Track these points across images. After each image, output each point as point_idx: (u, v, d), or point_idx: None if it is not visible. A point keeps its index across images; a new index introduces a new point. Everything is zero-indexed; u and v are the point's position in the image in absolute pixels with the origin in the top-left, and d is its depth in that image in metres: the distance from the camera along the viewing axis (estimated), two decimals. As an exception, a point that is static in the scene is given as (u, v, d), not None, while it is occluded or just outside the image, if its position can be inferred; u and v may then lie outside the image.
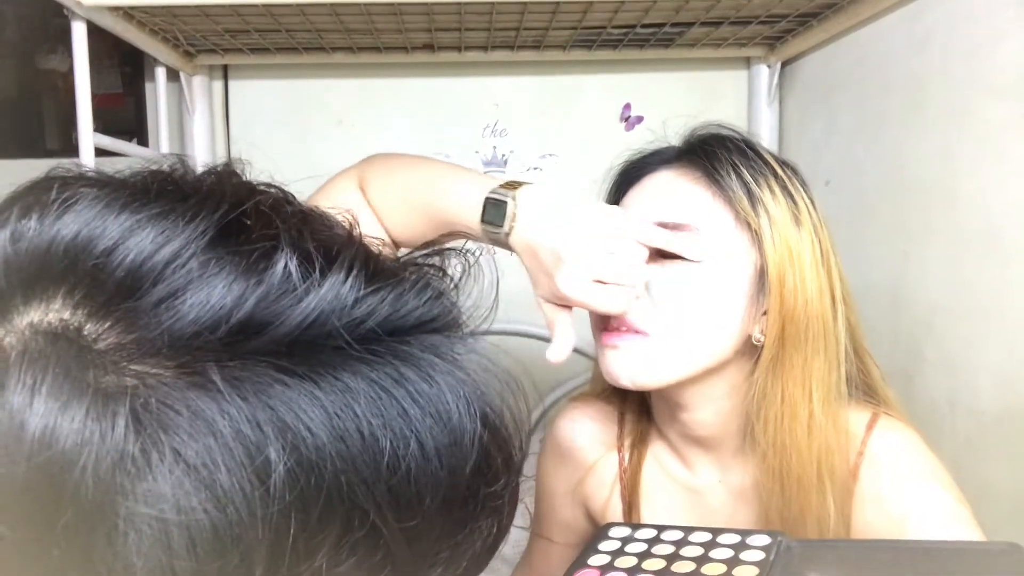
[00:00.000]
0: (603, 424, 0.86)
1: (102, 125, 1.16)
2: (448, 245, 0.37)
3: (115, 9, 1.09)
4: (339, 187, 0.77)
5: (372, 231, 0.65)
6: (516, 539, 1.24)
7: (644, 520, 0.82)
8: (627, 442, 0.84)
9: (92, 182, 0.31)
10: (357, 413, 0.28)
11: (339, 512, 0.28)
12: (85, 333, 0.28)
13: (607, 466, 0.84)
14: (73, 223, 0.28)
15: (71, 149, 1.20)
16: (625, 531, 0.52)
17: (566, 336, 0.67)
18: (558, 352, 0.68)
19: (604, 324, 0.71)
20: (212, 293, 0.28)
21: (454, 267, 0.35)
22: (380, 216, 0.74)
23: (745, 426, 0.74)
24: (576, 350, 1.48)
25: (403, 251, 0.36)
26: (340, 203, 0.72)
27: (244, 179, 0.34)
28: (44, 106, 1.51)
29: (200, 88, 1.44)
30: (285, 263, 0.29)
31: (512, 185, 0.67)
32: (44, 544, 0.26)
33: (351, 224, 0.34)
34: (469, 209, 0.68)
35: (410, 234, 0.74)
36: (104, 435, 0.26)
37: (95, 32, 1.09)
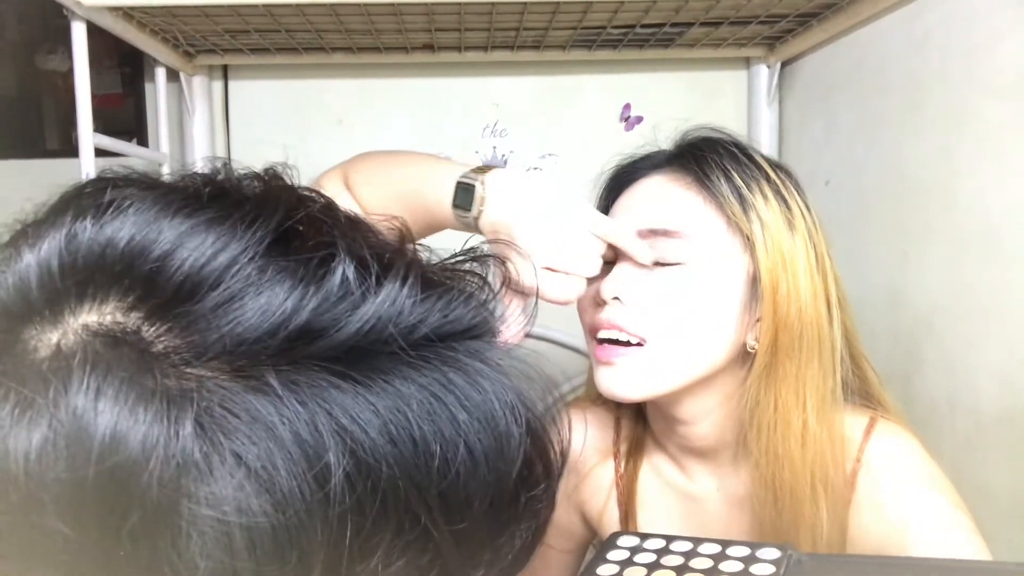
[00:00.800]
0: (599, 430, 0.85)
1: (102, 125, 1.16)
2: (487, 252, 0.37)
3: (115, 9, 1.09)
4: (326, 187, 0.77)
5: None
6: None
7: (641, 526, 0.81)
8: (623, 448, 0.83)
9: (143, 184, 0.31)
10: (409, 419, 0.29)
11: (393, 516, 0.28)
12: (143, 336, 0.28)
13: (603, 473, 0.84)
14: (129, 226, 0.29)
15: (71, 149, 1.20)
16: (634, 540, 0.51)
17: (515, 322, 0.67)
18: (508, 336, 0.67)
19: (595, 330, 0.71)
20: (272, 299, 0.28)
21: (492, 274, 0.36)
22: (367, 212, 0.74)
23: (741, 435, 0.74)
24: (576, 349, 1.48)
25: (437, 247, 0.37)
26: None
27: (290, 184, 0.34)
28: (44, 106, 1.51)
29: (200, 88, 1.44)
30: (343, 270, 0.29)
31: (482, 170, 0.67)
32: (109, 546, 0.26)
33: (402, 231, 0.35)
34: (445, 196, 0.68)
35: None
36: (170, 439, 0.26)
37: (95, 32, 1.09)
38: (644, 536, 0.52)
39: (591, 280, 0.67)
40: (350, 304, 0.29)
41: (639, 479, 0.82)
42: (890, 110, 1.11)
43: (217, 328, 0.28)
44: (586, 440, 0.85)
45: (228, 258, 0.28)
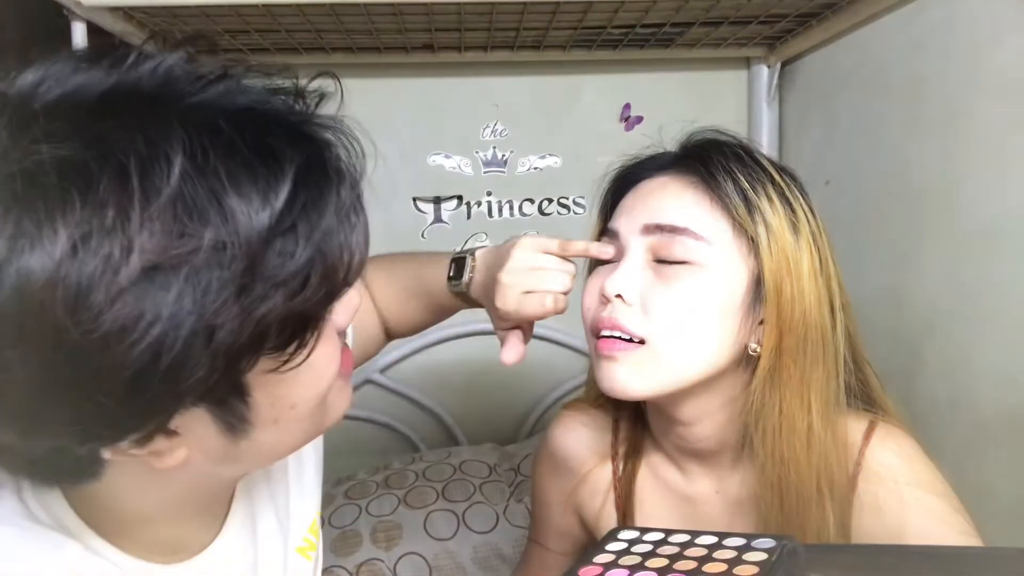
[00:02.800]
0: (597, 432, 0.85)
1: (102, 125, 1.16)
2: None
3: (115, 9, 1.09)
4: None
5: (370, 317, 0.83)
6: (516, 538, 1.24)
7: None
8: (621, 450, 0.83)
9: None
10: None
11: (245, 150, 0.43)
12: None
13: (601, 475, 0.84)
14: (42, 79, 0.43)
15: (71, 149, 1.20)
16: (633, 534, 0.53)
17: (515, 344, 0.77)
18: (509, 355, 0.77)
19: (596, 330, 0.71)
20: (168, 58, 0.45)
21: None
22: (379, 307, 0.85)
23: (743, 438, 0.73)
24: (576, 349, 1.48)
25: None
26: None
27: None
28: (44, 106, 1.50)
29: (200, 88, 1.44)
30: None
31: (474, 249, 0.80)
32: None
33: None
34: (442, 274, 0.80)
35: (405, 317, 0.86)
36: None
37: (95, 32, 1.09)
38: (644, 530, 0.53)
39: (566, 292, 0.74)
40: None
41: (637, 481, 0.81)
42: (890, 110, 1.11)
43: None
44: (584, 442, 0.85)
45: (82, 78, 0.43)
